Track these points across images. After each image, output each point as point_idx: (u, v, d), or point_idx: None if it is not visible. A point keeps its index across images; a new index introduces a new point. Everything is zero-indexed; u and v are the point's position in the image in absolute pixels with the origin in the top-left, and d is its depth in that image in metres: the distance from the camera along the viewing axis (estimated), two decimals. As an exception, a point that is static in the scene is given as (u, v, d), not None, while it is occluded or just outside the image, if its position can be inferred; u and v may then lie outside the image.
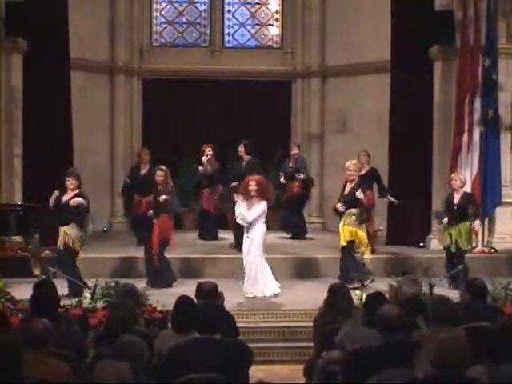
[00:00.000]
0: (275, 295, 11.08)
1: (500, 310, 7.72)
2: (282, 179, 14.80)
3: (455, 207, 11.95)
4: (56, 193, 11.04)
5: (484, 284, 7.54)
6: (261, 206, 10.99)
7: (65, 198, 11.02)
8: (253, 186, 11.03)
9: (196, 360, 5.85)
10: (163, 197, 11.65)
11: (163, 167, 11.97)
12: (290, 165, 15.02)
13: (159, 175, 11.89)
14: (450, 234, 11.87)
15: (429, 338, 5.51)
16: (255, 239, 11.00)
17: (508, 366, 5.17)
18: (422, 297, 8.08)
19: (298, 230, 15.12)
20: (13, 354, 4.97)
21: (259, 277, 11.03)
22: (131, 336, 5.87)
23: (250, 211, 11.00)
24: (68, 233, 10.93)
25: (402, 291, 7.41)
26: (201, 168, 14.60)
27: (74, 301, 9.64)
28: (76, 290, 10.53)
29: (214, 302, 7.29)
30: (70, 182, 11.03)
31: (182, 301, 6.86)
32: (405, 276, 8.64)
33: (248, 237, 11.06)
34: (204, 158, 14.57)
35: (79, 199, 10.94)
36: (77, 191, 11.03)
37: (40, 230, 11.85)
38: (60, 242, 10.96)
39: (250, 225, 11.01)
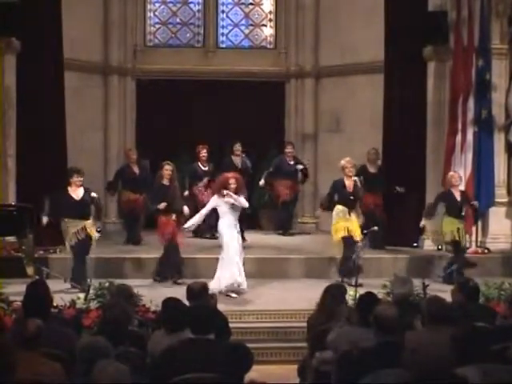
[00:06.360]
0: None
1: (493, 311, 7.72)
2: (261, 182, 14.95)
3: (459, 204, 12.24)
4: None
5: (477, 285, 7.55)
6: (244, 199, 11.46)
7: (76, 194, 11.58)
8: (233, 183, 11.29)
9: (189, 360, 5.85)
10: None
11: (170, 163, 12.33)
12: (291, 163, 15.19)
13: (168, 169, 12.15)
14: (458, 229, 12.00)
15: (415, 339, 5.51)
16: (238, 233, 11.39)
17: (498, 366, 5.18)
18: (415, 297, 8.08)
19: (289, 226, 15.59)
20: (4, 355, 4.96)
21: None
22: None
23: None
24: (92, 224, 11.65)
25: (392, 291, 7.35)
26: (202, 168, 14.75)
27: (67, 301, 9.64)
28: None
29: (206, 302, 7.30)
30: (79, 180, 11.63)
31: (169, 302, 6.92)
32: (396, 275, 8.61)
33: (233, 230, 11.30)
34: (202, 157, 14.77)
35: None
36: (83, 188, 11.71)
37: (34, 231, 11.83)
38: (92, 233, 11.57)
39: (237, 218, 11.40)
